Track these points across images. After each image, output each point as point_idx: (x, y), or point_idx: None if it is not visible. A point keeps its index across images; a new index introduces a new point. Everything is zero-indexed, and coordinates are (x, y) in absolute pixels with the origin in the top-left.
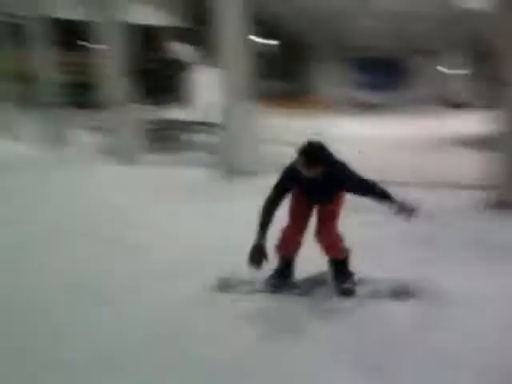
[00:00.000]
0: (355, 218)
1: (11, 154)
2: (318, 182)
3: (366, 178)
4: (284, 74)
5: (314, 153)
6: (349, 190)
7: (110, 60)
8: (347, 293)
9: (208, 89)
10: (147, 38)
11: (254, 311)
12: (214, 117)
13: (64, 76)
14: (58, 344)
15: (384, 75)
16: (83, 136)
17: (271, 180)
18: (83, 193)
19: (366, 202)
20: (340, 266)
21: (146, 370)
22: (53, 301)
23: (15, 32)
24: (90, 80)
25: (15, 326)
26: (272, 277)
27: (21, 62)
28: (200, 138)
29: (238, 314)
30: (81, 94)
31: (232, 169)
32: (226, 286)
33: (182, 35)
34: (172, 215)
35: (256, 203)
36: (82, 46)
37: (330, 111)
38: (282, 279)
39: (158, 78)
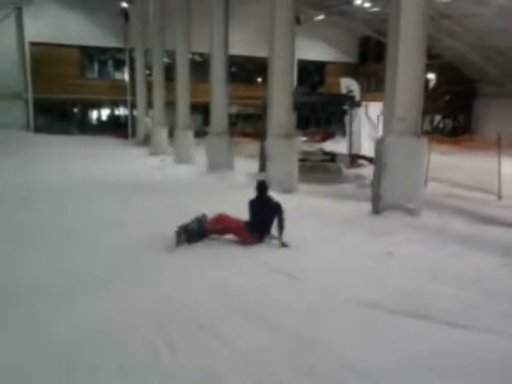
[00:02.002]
0: None
1: (190, 177)
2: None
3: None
4: (444, 110)
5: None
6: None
7: (276, 94)
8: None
9: (369, 123)
10: (315, 73)
11: None
12: (372, 150)
13: (236, 107)
14: None
15: None
16: (247, 163)
17: (428, 219)
18: None
19: None
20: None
21: None
22: None
23: (197, 67)
24: (259, 111)
25: None
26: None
27: (200, 94)
28: (354, 170)
29: None
30: (249, 124)
31: (387, 204)
32: None
33: (348, 70)
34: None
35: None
36: (254, 79)
37: (497, 151)
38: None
39: (323, 112)
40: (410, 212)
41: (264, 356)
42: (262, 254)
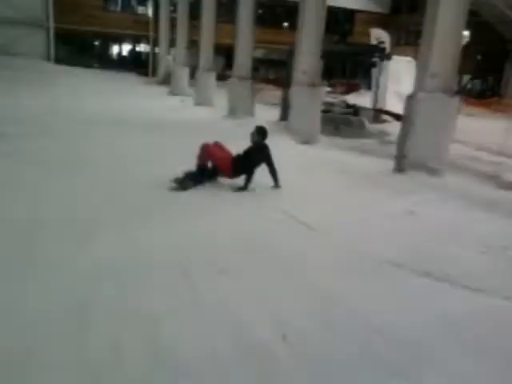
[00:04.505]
0: None
1: (208, 120)
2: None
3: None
4: (474, 70)
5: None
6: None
7: (305, 40)
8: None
9: (397, 78)
10: (344, 22)
11: None
12: (400, 106)
13: (260, 52)
14: None
15: None
16: (268, 110)
17: (452, 180)
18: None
19: None
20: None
21: None
22: None
23: (223, 7)
24: (284, 57)
25: None
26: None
27: (224, 36)
28: (377, 126)
29: None
30: (272, 71)
31: (411, 162)
32: None
33: (379, 21)
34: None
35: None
36: (282, 24)
37: None
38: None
39: (351, 63)
40: (434, 172)
41: (285, 305)
42: (275, 199)
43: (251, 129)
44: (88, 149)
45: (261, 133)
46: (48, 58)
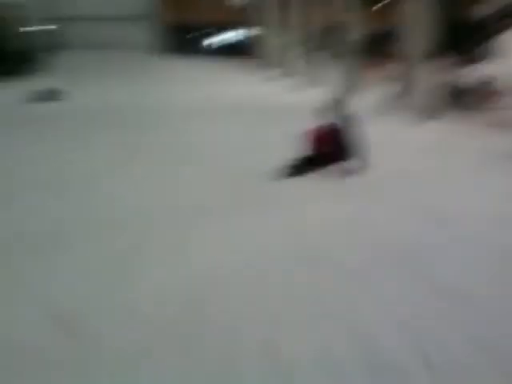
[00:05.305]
0: None
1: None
2: None
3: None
4: None
5: None
6: None
7: (418, 9)
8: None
9: None
10: None
11: None
12: None
13: (368, 26)
14: None
15: None
16: (376, 86)
17: None
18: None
19: None
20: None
21: None
22: None
23: None
24: (393, 29)
25: None
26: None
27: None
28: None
29: None
30: (383, 44)
31: None
32: None
33: None
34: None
35: None
36: None
37: None
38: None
39: (469, 32)
40: None
41: (420, 313)
42: (396, 188)
43: (362, 107)
44: (190, 138)
45: (336, 106)
46: (152, 50)
